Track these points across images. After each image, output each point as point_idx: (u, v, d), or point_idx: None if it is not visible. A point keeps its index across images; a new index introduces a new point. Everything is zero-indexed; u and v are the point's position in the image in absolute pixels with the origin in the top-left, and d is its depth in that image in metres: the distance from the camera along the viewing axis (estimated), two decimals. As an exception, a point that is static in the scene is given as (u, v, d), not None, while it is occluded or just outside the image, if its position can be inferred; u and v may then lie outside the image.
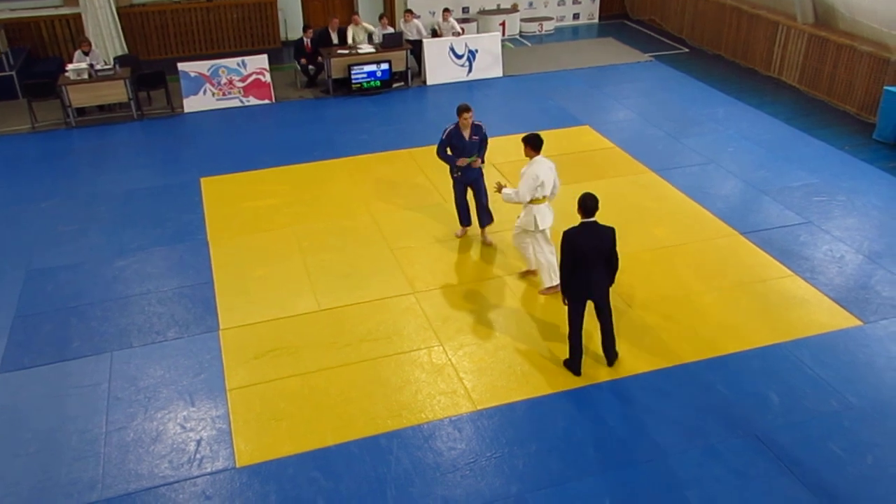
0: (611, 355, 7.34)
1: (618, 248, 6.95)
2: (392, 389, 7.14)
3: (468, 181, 9.15)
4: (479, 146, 8.98)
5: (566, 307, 7.09)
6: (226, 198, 10.81)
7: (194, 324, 8.13)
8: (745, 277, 8.76)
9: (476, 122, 8.89)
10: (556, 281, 8.10)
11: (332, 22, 15.26)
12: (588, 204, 6.81)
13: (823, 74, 14.03)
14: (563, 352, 7.46)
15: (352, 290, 8.66)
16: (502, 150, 12.04)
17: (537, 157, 7.94)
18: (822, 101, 14.05)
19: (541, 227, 8.09)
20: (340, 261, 9.20)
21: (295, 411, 6.90)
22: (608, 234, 6.88)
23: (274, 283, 8.81)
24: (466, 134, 8.84)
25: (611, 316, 7.21)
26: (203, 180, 11.36)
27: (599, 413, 6.80)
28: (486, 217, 9.36)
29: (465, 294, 8.57)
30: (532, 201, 7.99)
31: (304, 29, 15.26)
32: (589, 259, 6.79)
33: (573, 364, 7.26)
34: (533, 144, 7.90)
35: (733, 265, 9.01)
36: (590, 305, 7.14)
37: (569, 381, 7.15)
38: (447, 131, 8.88)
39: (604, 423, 6.70)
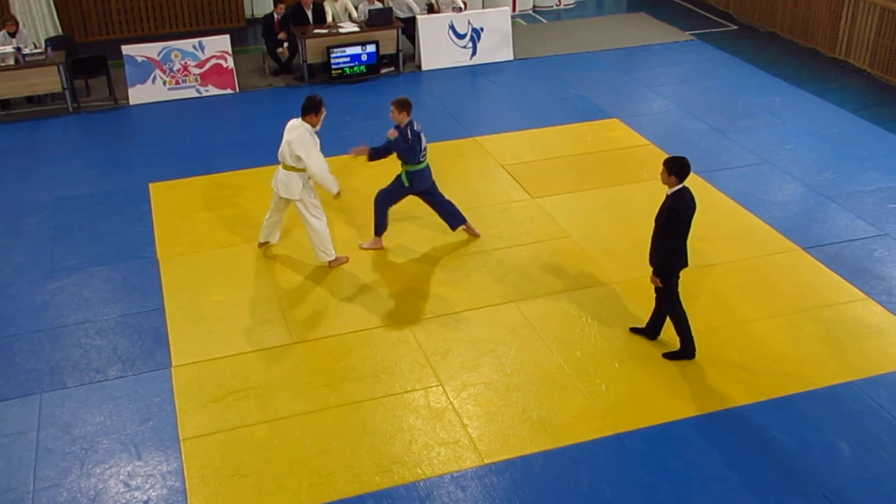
0: (658, 331, 8.18)
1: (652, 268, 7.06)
2: (381, 439, 7.13)
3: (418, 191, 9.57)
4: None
5: (665, 288, 7.65)
6: (179, 207, 10.84)
7: (141, 360, 8.13)
8: (809, 302, 8.77)
9: (414, 126, 9.14)
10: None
11: None
12: (687, 165, 7.46)
13: (900, 56, 14.13)
14: (591, 388, 7.48)
15: (332, 317, 8.66)
16: (512, 150, 12.08)
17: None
18: (898, 88, 14.16)
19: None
20: (317, 282, 9.21)
21: (262, 466, 6.88)
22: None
23: (238, 310, 8.82)
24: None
25: None
26: (152, 186, 11.39)
27: (631, 468, 6.79)
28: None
29: (470, 322, 8.58)
30: None
31: (275, 3, 15.31)
32: (688, 228, 7.46)
33: (688, 348, 7.89)
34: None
35: (794, 287, 9.02)
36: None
37: (595, 429, 7.14)
38: None
39: (637, 479, 6.68)
